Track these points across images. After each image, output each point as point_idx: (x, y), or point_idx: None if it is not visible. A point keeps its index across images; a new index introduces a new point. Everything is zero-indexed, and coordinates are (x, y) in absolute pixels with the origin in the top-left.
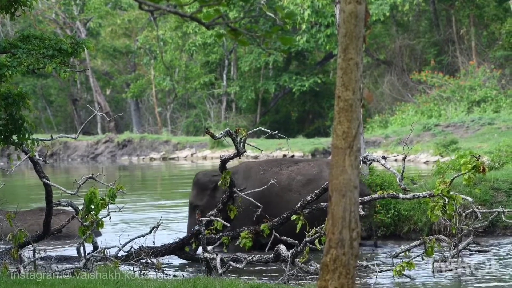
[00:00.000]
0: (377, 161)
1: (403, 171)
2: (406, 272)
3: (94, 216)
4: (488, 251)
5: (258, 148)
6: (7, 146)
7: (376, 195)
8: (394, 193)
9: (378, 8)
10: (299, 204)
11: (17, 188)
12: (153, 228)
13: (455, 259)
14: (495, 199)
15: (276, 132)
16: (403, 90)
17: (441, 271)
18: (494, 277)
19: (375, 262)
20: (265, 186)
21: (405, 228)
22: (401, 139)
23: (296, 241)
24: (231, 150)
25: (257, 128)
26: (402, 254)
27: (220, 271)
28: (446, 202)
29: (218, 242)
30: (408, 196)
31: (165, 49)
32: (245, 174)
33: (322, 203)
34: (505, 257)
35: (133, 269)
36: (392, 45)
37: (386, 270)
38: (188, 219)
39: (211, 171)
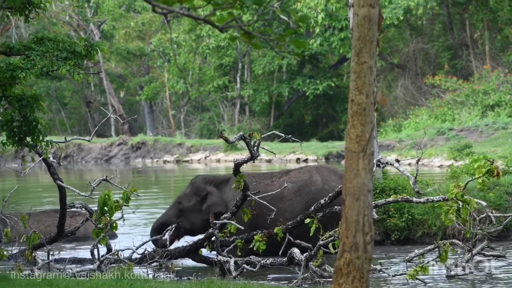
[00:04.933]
0: (390, 164)
1: (416, 175)
2: (420, 276)
3: (108, 218)
4: (503, 256)
5: (272, 152)
6: (21, 148)
7: (390, 199)
8: (408, 197)
9: (392, 12)
10: (312, 207)
11: (31, 190)
12: (166, 230)
13: (469, 264)
14: (509, 203)
15: (290, 135)
16: (417, 94)
17: (455, 276)
18: (508, 282)
19: (388, 266)
20: (279, 190)
21: (419, 232)
22: (415, 143)
23: (309, 245)
24: (245, 154)
25: (271, 132)
26: (416, 258)
27: (233, 274)
28: (460, 206)
29: (231, 245)
30: (422, 200)
31: (178, 51)
32: None
33: (335, 207)
34: None
35: (147, 271)
36: (406, 49)
37: (400, 274)
38: (167, 209)
39: (209, 178)
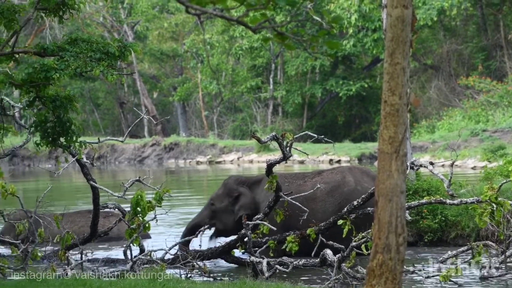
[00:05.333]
0: (424, 166)
1: (450, 177)
2: (453, 278)
3: (141, 219)
4: None
5: (305, 153)
6: (55, 149)
7: (423, 201)
8: (441, 198)
9: (425, 13)
10: (345, 208)
11: (65, 190)
12: (199, 231)
13: (503, 265)
14: None
15: (323, 136)
16: (450, 95)
17: (488, 277)
18: None
19: (421, 268)
20: (311, 191)
21: (452, 233)
22: (449, 144)
23: (342, 246)
24: (278, 154)
25: (304, 133)
26: (449, 259)
27: (266, 274)
28: (494, 208)
29: (264, 246)
30: (455, 201)
31: (211, 52)
32: None
33: (368, 208)
34: None
35: (180, 272)
36: (440, 50)
37: (433, 276)
38: (201, 210)
39: (241, 179)
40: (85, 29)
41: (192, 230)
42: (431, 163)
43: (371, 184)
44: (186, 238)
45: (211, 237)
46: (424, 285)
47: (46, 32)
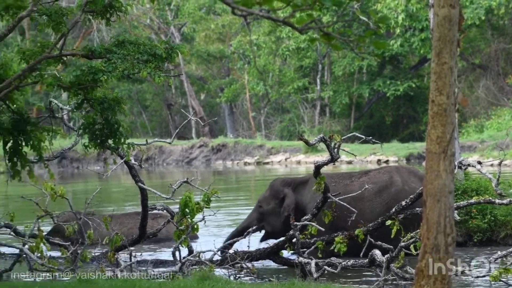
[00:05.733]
0: (472, 166)
1: (499, 176)
2: (503, 278)
3: (189, 220)
4: None
5: (352, 154)
6: (103, 151)
7: (472, 200)
8: (490, 198)
9: (473, 12)
10: (394, 209)
11: (113, 192)
12: (247, 232)
13: None
14: None
15: (370, 137)
16: (499, 95)
17: None
18: None
19: (471, 268)
20: (360, 191)
21: (501, 233)
22: (497, 144)
23: (391, 246)
24: (325, 155)
25: (351, 134)
26: (499, 259)
27: (314, 275)
28: None
29: (312, 247)
30: (504, 201)
31: (258, 53)
32: None
33: (417, 208)
34: None
35: (228, 273)
36: (488, 49)
37: (483, 276)
38: (249, 213)
39: (287, 181)
40: (132, 31)
41: (241, 233)
42: (479, 162)
43: (418, 184)
44: (234, 239)
45: (261, 240)
46: (473, 286)
47: (93, 34)
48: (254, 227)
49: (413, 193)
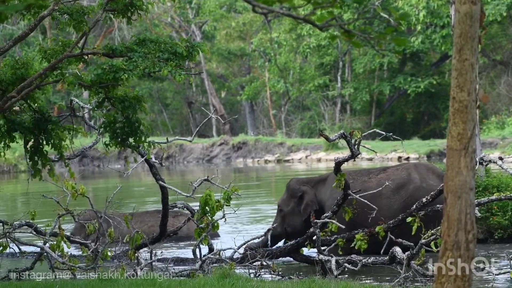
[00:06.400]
0: (493, 162)
1: None
2: None
3: (210, 218)
4: None
5: (373, 150)
6: (124, 149)
7: (493, 197)
8: None
9: (494, 8)
10: (414, 206)
11: (134, 190)
12: (268, 230)
13: None
14: None
15: (391, 134)
16: None
17: None
18: None
19: (492, 265)
20: (379, 188)
21: None
22: None
23: (411, 243)
24: (346, 152)
25: (372, 130)
26: None
27: (335, 273)
28: None
29: (333, 244)
30: None
31: (279, 51)
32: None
33: (437, 205)
34: None
35: (248, 271)
36: (509, 45)
37: (504, 273)
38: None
39: (303, 180)
40: (153, 30)
41: (274, 239)
42: (501, 158)
43: (436, 182)
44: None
45: (284, 241)
46: (494, 282)
47: (114, 33)
48: (273, 225)
49: (431, 190)
